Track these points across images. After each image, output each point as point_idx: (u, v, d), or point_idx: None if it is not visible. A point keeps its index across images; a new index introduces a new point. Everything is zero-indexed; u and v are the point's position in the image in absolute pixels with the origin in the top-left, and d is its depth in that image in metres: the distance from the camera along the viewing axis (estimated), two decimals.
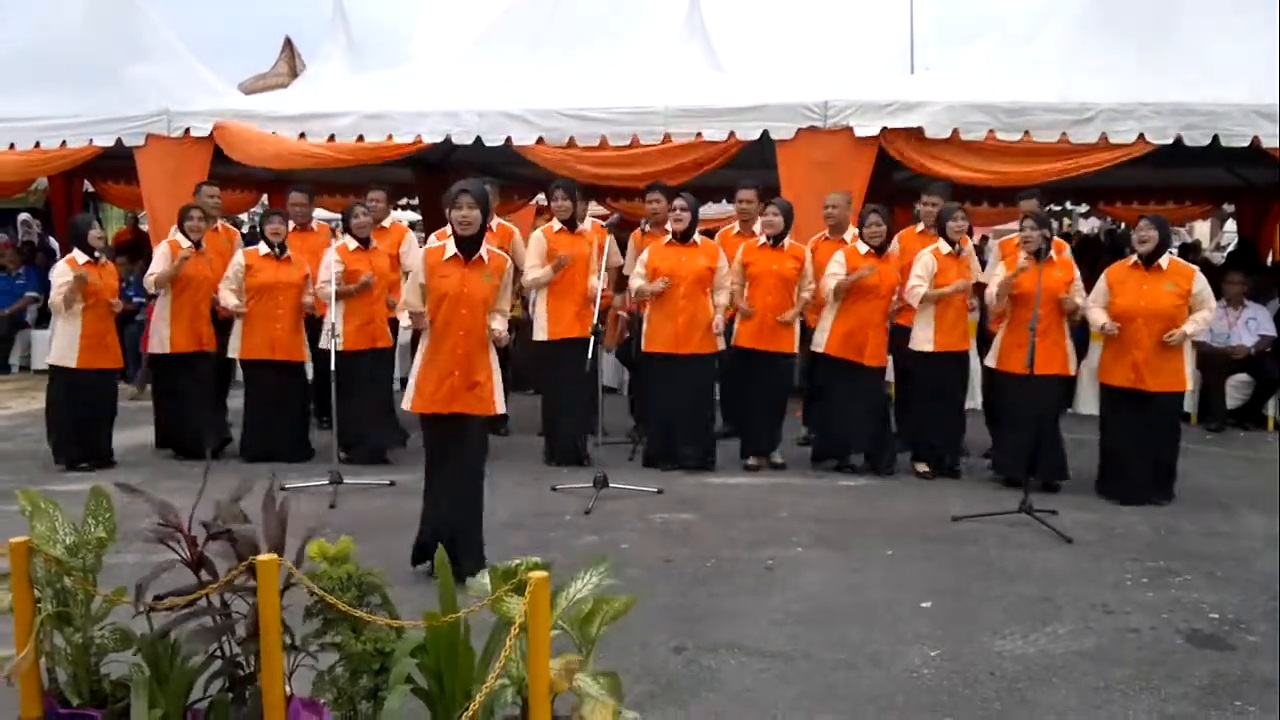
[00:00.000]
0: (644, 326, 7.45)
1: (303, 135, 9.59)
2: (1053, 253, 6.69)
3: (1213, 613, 4.77)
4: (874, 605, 4.84)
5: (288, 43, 16.96)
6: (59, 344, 7.27)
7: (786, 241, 7.32)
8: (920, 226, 7.74)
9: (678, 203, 7.29)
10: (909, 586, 5.09)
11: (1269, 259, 14.23)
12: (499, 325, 5.14)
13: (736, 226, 8.00)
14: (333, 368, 6.66)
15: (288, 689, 2.95)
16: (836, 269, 7.17)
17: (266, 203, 15.17)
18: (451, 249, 5.03)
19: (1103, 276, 6.78)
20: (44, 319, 12.23)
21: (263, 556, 2.88)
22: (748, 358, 7.39)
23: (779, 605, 4.83)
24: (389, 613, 3.01)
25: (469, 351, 5.03)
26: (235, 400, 8.00)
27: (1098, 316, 6.64)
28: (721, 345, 7.34)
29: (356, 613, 2.89)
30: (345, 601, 2.91)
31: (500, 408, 5.21)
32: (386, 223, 8.21)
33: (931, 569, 5.38)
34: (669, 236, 7.35)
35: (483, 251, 5.04)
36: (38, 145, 10.16)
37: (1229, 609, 4.81)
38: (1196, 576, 5.28)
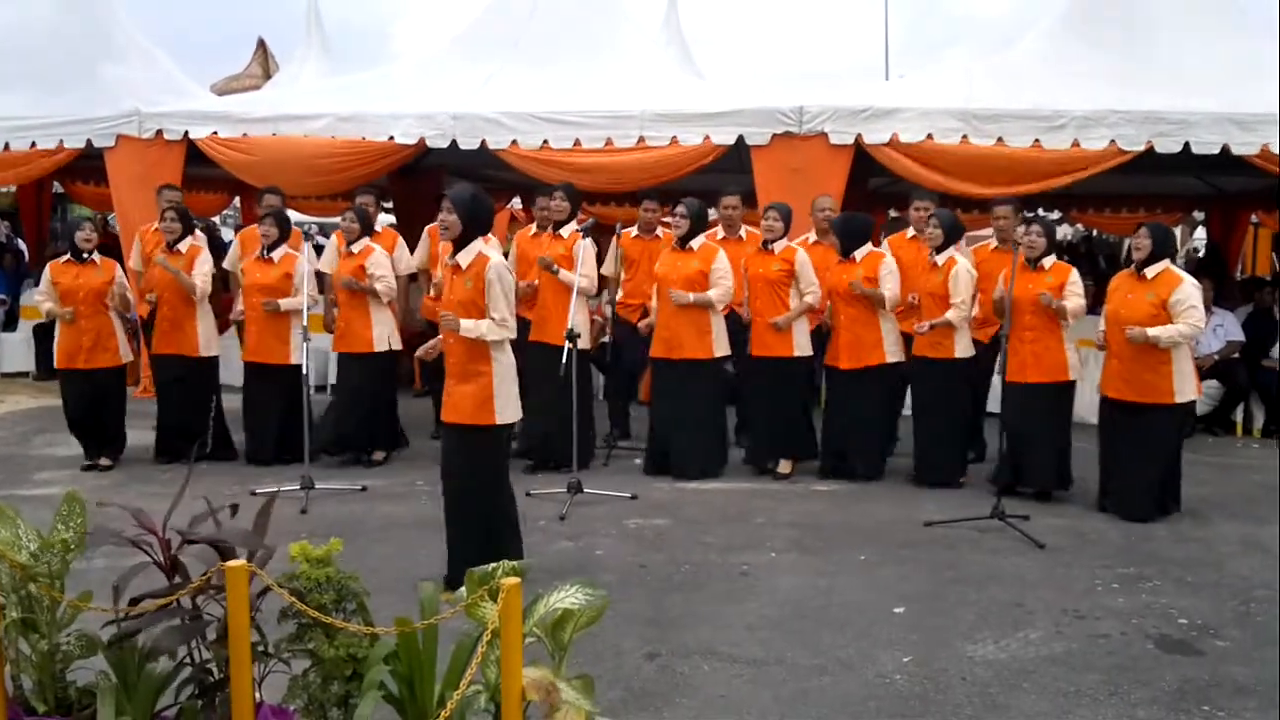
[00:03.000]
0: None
1: (275, 137, 9.53)
2: (1045, 260, 6.66)
3: (1182, 618, 4.81)
4: (847, 610, 4.85)
5: (261, 44, 16.88)
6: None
7: (778, 245, 7.31)
8: (910, 232, 7.77)
9: (678, 209, 7.25)
10: (882, 592, 5.10)
11: (1238, 265, 14.42)
12: (467, 320, 4.89)
13: (720, 231, 7.98)
14: (304, 371, 6.64)
15: (258, 696, 2.92)
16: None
17: (239, 205, 15.08)
18: (449, 256, 5.09)
19: (1109, 284, 6.72)
20: (10, 322, 12.09)
21: (232, 563, 2.85)
22: (754, 364, 7.37)
23: (753, 611, 4.83)
24: (364, 619, 2.99)
25: (459, 359, 5.00)
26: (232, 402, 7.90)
27: (1099, 325, 6.62)
28: (720, 351, 7.26)
29: (328, 619, 2.87)
30: (323, 603, 2.89)
31: (501, 417, 4.99)
32: (378, 227, 8.17)
33: (905, 574, 5.39)
34: (672, 242, 7.35)
35: (461, 256, 5.01)
36: (6, 146, 10.05)
37: (1198, 614, 4.85)
38: (1166, 582, 5.31)
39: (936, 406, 7.14)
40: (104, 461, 7.42)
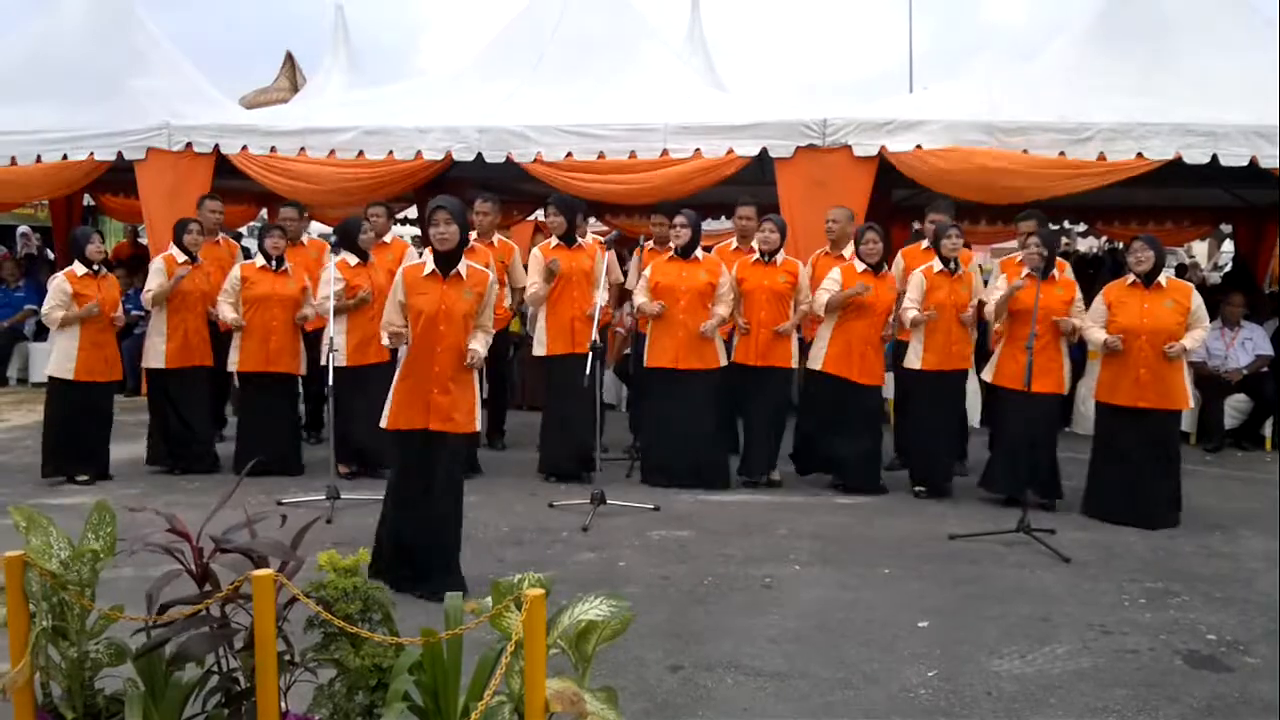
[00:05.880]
0: (646, 343, 7.45)
1: (303, 150, 9.62)
2: (1055, 271, 6.73)
3: (1210, 634, 4.76)
4: (871, 624, 4.83)
5: (289, 57, 17.04)
6: (57, 356, 7.28)
7: (779, 257, 7.33)
8: (925, 244, 7.77)
9: (678, 219, 7.29)
10: (906, 605, 5.08)
11: (1266, 279, 14.27)
12: (478, 346, 5.10)
13: (735, 242, 8.00)
14: (330, 382, 6.66)
15: (283, 705, 2.94)
16: (831, 285, 7.18)
17: (266, 217, 15.19)
18: (430, 265, 5.05)
19: (1100, 296, 6.80)
20: (42, 332, 12.22)
21: (259, 571, 2.87)
22: (744, 374, 7.38)
23: (776, 623, 4.81)
24: (389, 629, 3.00)
25: (450, 369, 5.03)
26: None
27: (1097, 335, 6.64)
28: (723, 361, 7.32)
29: (354, 629, 2.88)
30: (349, 613, 2.91)
31: (477, 426, 5.20)
32: (387, 238, 8.21)
33: (929, 588, 5.37)
34: (671, 252, 7.36)
35: (460, 267, 5.04)
36: (39, 159, 10.18)
37: (1227, 630, 4.80)
38: (1195, 597, 5.27)
39: (942, 415, 7.25)
40: (81, 478, 7.34)
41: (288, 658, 2.98)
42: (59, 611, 3.01)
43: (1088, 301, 6.93)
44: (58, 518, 3.20)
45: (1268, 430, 9.23)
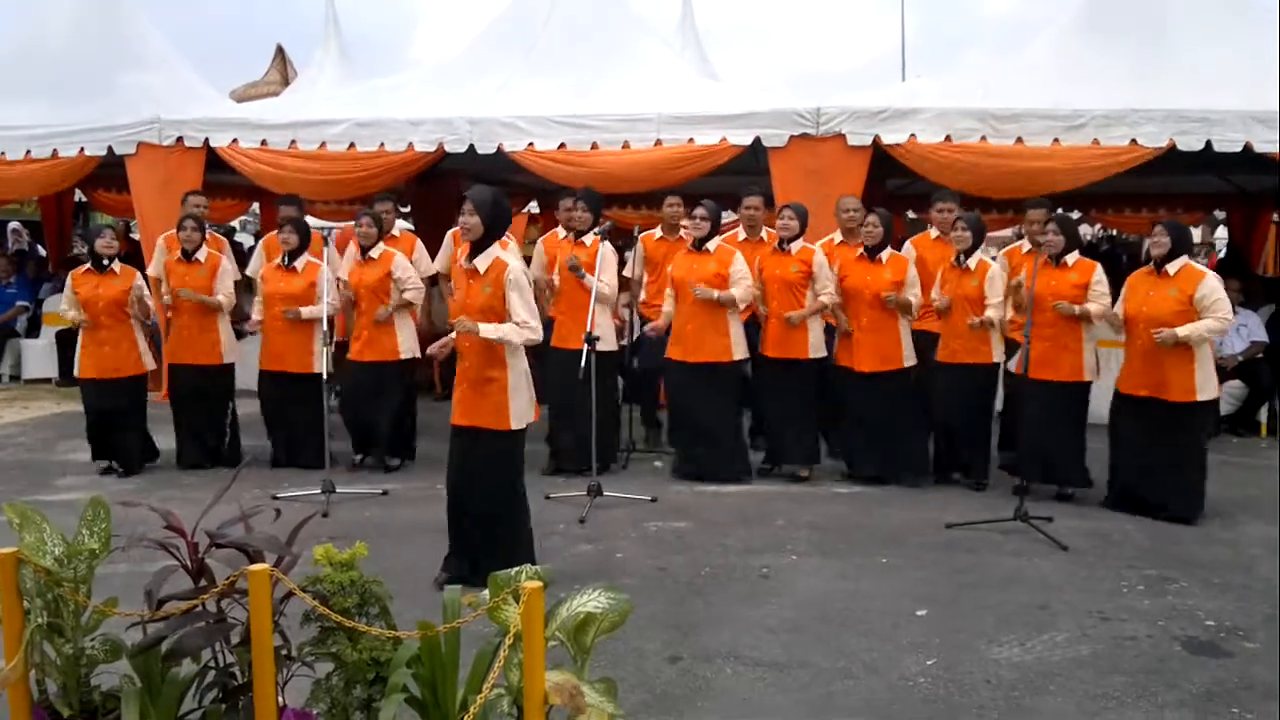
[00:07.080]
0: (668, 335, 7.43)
1: (294, 143, 9.58)
2: (1068, 258, 6.65)
3: (1209, 620, 4.76)
4: (870, 613, 4.82)
5: (279, 51, 16.97)
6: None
7: (795, 245, 7.29)
8: (934, 232, 7.75)
9: (698, 210, 7.20)
10: (904, 594, 5.07)
11: (1260, 265, 14.30)
12: (486, 325, 4.85)
13: (742, 233, 7.94)
14: (324, 378, 6.65)
15: (281, 699, 2.92)
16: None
17: (258, 210, 15.15)
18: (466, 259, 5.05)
19: (1126, 283, 6.69)
20: (34, 328, 12.18)
21: (255, 566, 2.85)
22: (769, 366, 7.33)
23: (774, 613, 4.80)
24: (387, 623, 2.99)
25: (475, 364, 4.97)
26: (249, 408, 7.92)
27: (1114, 320, 6.58)
28: (738, 354, 7.22)
29: (351, 623, 2.87)
30: (346, 607, 2.89)
31: (516, 423, 4.99)
32: (395, 231, 8.18)
33: (927, 576, 5.36)
34: (689, 244, 7.32)
35: (479, 261, 4.97)
36: (28, 154, 10.13)
37: (1226, 616, 4.80)
38: (1193, 583, 5.26)
39: (969, 409, 7.08)
40: (118, 468, 7.45)
41: (285, 652, 2.97)
42: (54, 608, 2.99)
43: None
44: (51, 514, 3.18)
45: (1263, 416, 9.24)
